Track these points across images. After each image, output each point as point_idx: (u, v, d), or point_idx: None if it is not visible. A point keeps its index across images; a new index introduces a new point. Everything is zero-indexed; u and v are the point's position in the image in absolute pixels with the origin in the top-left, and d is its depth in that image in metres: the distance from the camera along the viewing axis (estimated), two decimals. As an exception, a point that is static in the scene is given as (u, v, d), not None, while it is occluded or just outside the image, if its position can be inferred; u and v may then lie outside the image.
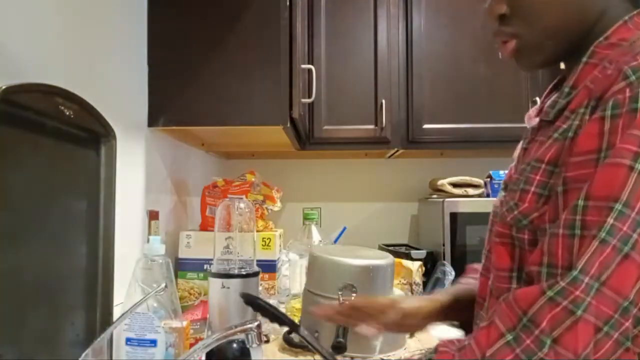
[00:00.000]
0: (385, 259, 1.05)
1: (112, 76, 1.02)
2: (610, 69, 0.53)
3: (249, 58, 1.19)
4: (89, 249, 0.83)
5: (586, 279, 0.46)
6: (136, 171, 1.15)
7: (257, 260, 1.07)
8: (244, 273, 0.99)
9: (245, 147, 1.80)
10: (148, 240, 0.94)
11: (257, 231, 1.30)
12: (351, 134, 1.73)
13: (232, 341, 0.89)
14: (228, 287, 0.96)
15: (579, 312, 0.45)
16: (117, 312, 0.91)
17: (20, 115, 0.66)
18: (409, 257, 1.59)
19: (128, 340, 0.86)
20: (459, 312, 0.76)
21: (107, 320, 0.86)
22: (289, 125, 1.20)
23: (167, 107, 1.20)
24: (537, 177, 0.58)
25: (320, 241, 1.59)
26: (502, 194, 0.70)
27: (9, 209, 0.64)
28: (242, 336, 0.73)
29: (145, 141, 1.20)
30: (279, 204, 1.58)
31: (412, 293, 1.37)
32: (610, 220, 0.46)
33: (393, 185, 2.13)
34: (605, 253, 0.46)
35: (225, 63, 1.19)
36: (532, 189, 0.58)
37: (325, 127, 1.73)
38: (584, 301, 0.45)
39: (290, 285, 1.45)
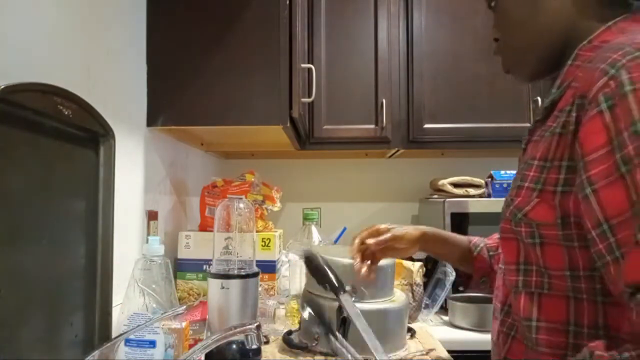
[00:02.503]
0: (385, 260, 1.05)
1: (111, 76, 1.01)
2: (588, 68, 0.58)
3: (248, 57, 1.18)
4: (87, 250, 0.82)
5: None
6: (135, 171, 1.15)
7: (257, 261, 1.06)
8: (243, 274, 0.98)
9: (244, 147, 1.80)
10: (147, 241, 0.94)
11: (257, 231, 1.30)
12: (351, 134, 1.72)
13: (232, 342, 0.88)
14: (227, 288, 0.96)
15: None
16: (115, 313, 0.90)
17: (19, 114, 0.66)
18: (409, 257, 1.58)
19: (127, 341, 0.85)
20: (436, 245, 0.97)
21: (105, 321, 0.85)
22: (288, 125, 1.20)
23: (166, 106, 1.20)
24: (531, 173, 0.62)
25: (320, 241, 1.59)
26: None
27: (7, 209, 0.64)
28: (241, 337, 0.73)
29: (144, 141, 1.19)
30: (278, 204, 1.57)
31: (413, 294, 1.37)
32: None
33: (393, 185, 2.13)
34: None
35: (224, 62, 1.19)
36: (526, 184, 0.63)
37: (325, 127, 1.72)
38: None
39: (289, 286, 1.45)
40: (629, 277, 0.49)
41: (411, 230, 0.96)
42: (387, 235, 0.94)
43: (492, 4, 0.74)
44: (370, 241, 0.94)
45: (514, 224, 0.64)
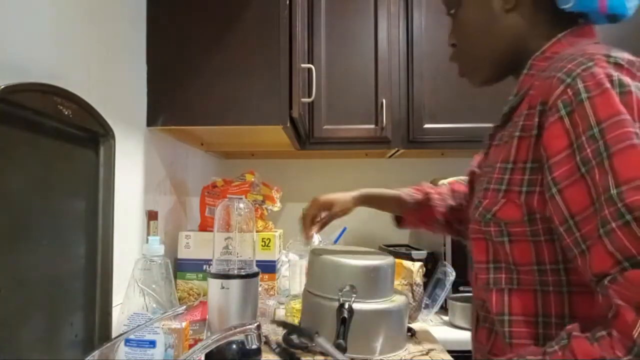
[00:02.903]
0: (385, 260, 1.05)
1: (111, 76, 1.01)
2: (544, 77, 0.63)
3: (248, 57, 1.18)
4: (87, 250, 0.82)
5: None
6: (135, 171, 1.15)
7: (257, 261, 1.06)
8: (243, 274, 0.99)
9: (244, 147, 1.79)
10: (147, 241, 0.94)
11: (257, 231, 1.30)
12: (351, 134, 1.72)
13: (232, 342, 0.88)
14: (227, 288, 0.96)
15: None
16: (115, 313, 0.90)
17: (19, 114, 0.66)
18: (409, 257, 1.58)
19: (127, 341, 0.85)
20: (371, 203, 1.16)
21: (105, 321, 0.85)
22: (288, 125, 1.20)
23: (166, 106, 1.20)
24: (495, 175, 0.67)
25: (320, 241, 1.58)
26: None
27: (7, 209, 0.64)
28: (241, 337, 0.73)
29: (144, 141, 1.19)
30: (278, 204, 1.57)
31: (413, 294, 1.37)
32: None
33: (393, 185, 2.11)
34: None
35: (224, 62, 1.19)
36: (492, 186, 0.67)
37: (325, 127, 1.72)
38: None
39: (290, 286, 1.45)
40: (594, 268, 0.54)
41: (345, 196, 1.13)
42: (324, 216, 1.13)
43: (452, 11, 0.80)
44: (313, 230, 1.12)
45: (483, 225, 0.68)
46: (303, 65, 1.53)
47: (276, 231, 1.46)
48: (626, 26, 0.85)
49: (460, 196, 1.09)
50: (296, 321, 1.20)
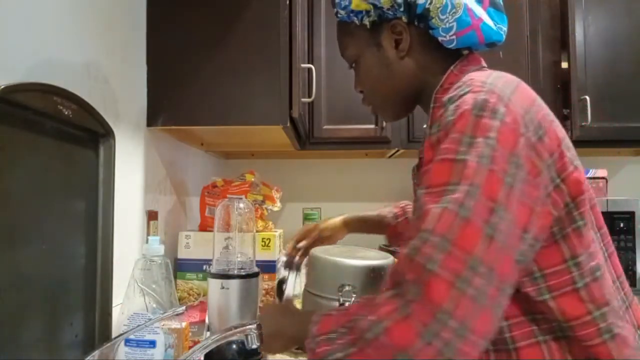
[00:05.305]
0: (385, 260, 1.05)
1: (111, 76, 1.01)
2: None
3: (248, 57, 1.18)
4: (87, 250, 0.83)
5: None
6: (135, 171, 1.15)
7: (257, 261, 1.06)
8: (243, 274, 0.99)
9: (244, 147, 1.79)
10: (147, 241, 0.94)
11: (257, 231, 1.30)
12: (351, 134, 1.72)
13: (232, 342, 0.88)
14: (227, 288, 0.96)
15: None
16: (115, 313, 0.90)
17: (19, 114, 0.66)
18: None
19: (127, 341, 0.85)
20: (358, 225, 1.23)
21: (105, 321, 0.85)
22: (288, 124, 1.20)
23: (166, 106, 1.20)
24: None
25: (320, 241, 1.58)
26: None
27: (7, 209, 0.64)
28: (241, 337, 0.73)
29: (144, 141, 1.19)
30: (278, 204, 1.57)
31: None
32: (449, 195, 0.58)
33: (393, 185, 2.13)
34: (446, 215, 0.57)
35: (224, 62, 1.19)
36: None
37: (325, 127, 1.72)
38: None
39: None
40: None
41: (335, 220, 1.22)
42: (314, 233, 1.19)
43: (353, 65, 0.88)
44: (302, 244, 1.17)
45: None
46: (303, 65, 1.53)
47: (276, 231, 1.46)
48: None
49: None
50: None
